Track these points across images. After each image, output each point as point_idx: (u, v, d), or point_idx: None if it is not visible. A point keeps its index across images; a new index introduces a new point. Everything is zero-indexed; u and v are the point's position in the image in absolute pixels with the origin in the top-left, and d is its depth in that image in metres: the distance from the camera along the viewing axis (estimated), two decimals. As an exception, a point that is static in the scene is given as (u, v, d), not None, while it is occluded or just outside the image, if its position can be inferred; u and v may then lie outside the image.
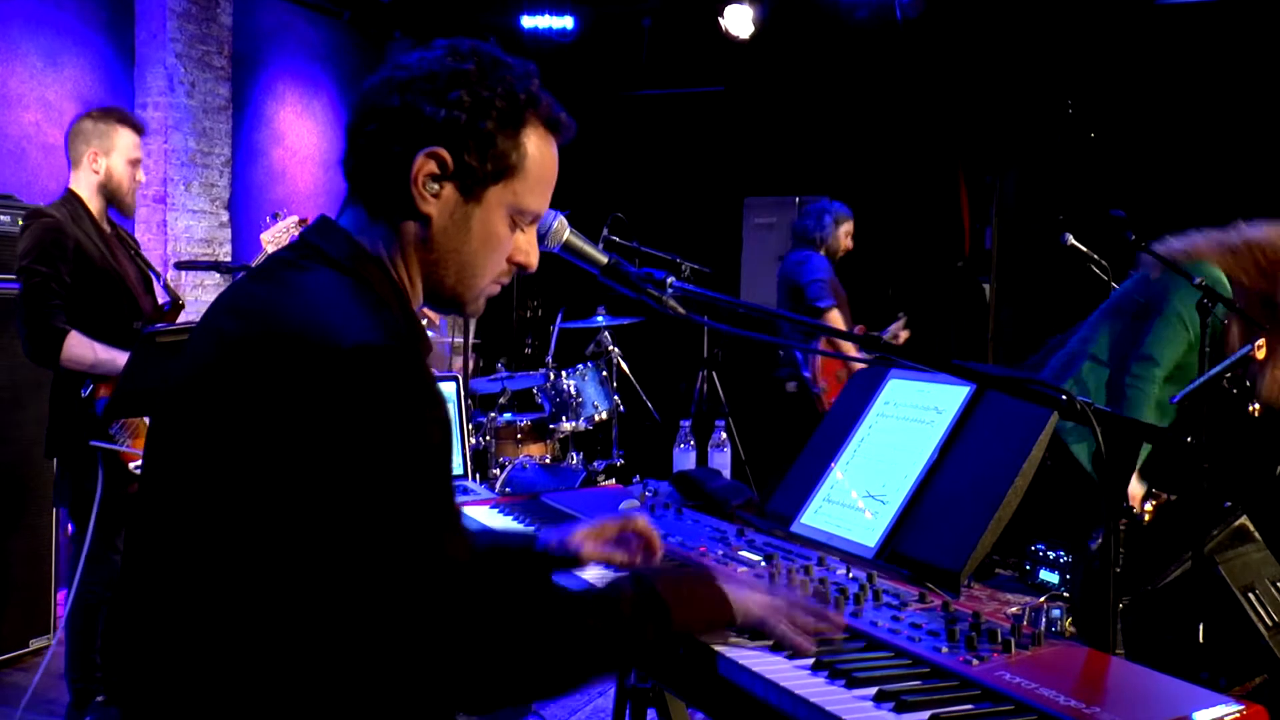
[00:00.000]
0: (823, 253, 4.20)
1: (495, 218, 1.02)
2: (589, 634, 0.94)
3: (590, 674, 0.96)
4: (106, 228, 2.68)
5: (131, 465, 2.56)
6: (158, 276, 2.83)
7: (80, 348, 2.48)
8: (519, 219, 1.04)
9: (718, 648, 1.08)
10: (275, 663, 0.90)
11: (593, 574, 1.36)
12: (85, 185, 2.64)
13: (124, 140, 2.65)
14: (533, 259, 1.08)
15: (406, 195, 0.99)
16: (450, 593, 0.88)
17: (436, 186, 0.99)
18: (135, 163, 2.69)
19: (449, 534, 0.90)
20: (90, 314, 2.54)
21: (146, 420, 2.61)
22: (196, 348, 0.99)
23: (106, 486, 2.50)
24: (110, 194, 2.65)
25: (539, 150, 1.03)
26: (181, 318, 2.83)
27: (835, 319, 4.06)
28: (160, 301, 2.81)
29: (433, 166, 0.98)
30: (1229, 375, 2.48)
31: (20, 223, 2.97)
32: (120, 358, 2.48)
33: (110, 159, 2.63)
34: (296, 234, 3.67)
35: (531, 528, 1.63)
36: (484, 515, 1.76)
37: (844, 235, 4.24)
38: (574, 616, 0.95)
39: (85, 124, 2.64)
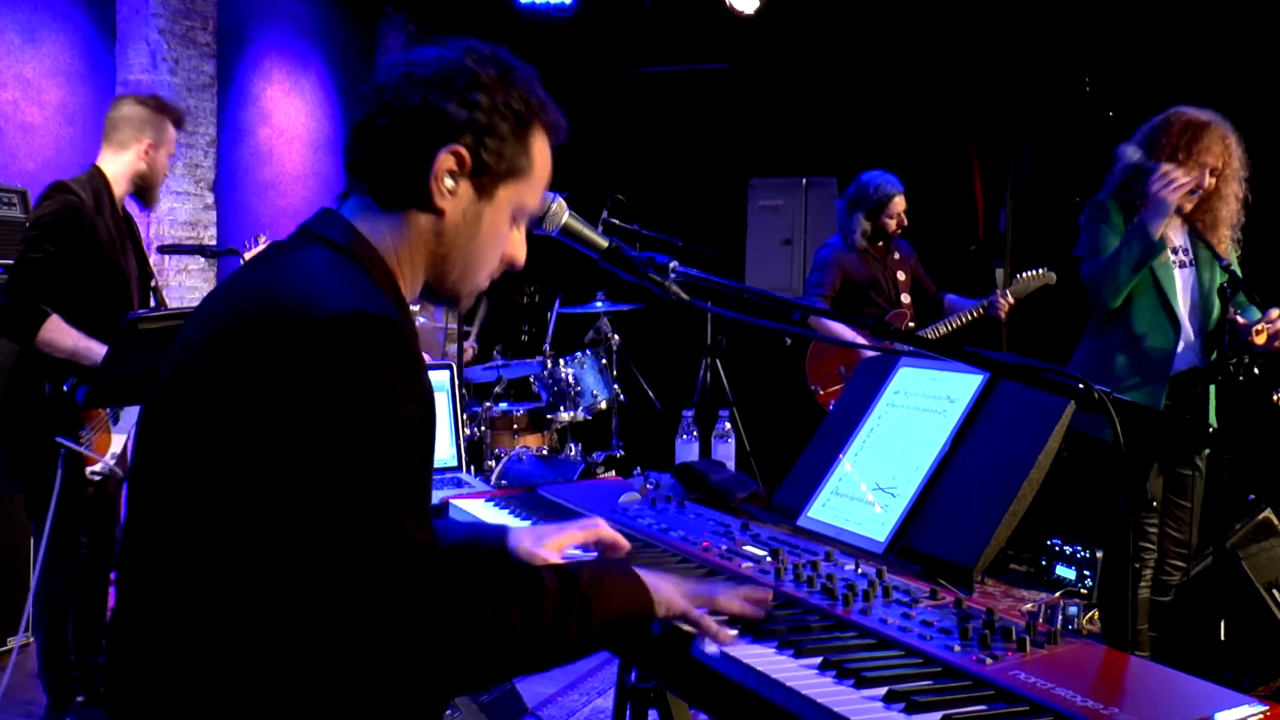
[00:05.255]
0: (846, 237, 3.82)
1: (502, 216, 1.09)
2: (516, 630, 0.96)
3: (512, 670, 0.98)
4: (121, 215, 2.64)
5: (89, 470, 2.50)
6: (151, 279, 2.80)
7: (58, 333, 2.40)
8: (519, 217, 1.12)
9: (723, 647, 1.05)
10: (251, 644, 0.93)
11: None
12: (120, 169, 2.59)
13: (171, 136, 2.66)
14: (522, 256, 1.16)
15: (423, 189, 1.04)
16: (398, 578, 0.89)
17: (453, 183, 1.05)
18: (170, 154, 2.71)
19: (411, 515, 0.92)
20: (85, 304, 2.47)
21: (111, 423, 2.54)
22: (189, 333, 1.02)
23: (65, 485, 2.44)
24: (144, 185, 2.63)
25: (542, 153, 1.11)
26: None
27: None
28: (151, 305, 2.77)
29: (452, 163, 1.04)
30: (1233, 360, 2.37)
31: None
32: (99, 349, 2.41)
33: (158, 153, 2.62)
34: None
35: (510, 520, 1.61)
36: (478, 509, 1.71)
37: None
38: (507, 611, 0.96)
39: (143, 110, 2.61)
